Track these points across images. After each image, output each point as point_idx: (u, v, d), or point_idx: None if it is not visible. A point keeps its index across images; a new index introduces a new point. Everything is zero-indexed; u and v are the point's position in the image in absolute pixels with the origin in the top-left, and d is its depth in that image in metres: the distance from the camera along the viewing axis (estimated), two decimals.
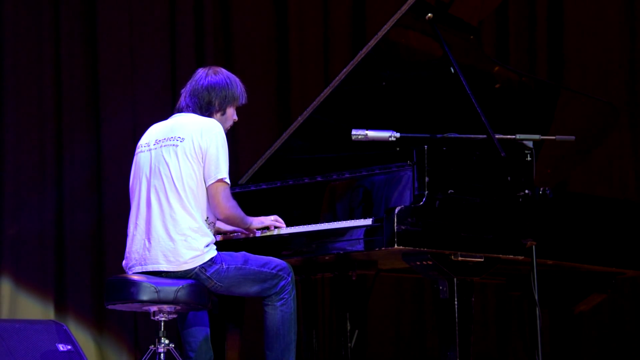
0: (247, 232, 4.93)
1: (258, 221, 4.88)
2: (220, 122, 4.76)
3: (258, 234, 4.90)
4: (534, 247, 4.75)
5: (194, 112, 4.75)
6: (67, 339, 5.08)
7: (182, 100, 4.79)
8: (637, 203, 5.70)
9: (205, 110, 4.75)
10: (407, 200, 4.69)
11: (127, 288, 4.50)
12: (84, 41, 6.99)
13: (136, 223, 4.68)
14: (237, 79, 4.86)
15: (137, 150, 4.79)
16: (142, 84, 7.04)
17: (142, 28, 7.13)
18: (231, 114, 4.83)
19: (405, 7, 5.05)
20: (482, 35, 6.59)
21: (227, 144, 4.69)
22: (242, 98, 4.86)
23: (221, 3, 7.37)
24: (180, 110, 4.78)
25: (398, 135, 4.76)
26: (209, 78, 4.78)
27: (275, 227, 4.90)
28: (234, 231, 4.98)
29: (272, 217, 4.93)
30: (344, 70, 5.25)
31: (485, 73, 5.48)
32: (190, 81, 4.82)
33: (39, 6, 6.90)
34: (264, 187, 5.34)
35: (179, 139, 4.65)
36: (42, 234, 6.80)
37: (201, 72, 4.83)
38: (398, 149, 4.96)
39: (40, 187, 6.84)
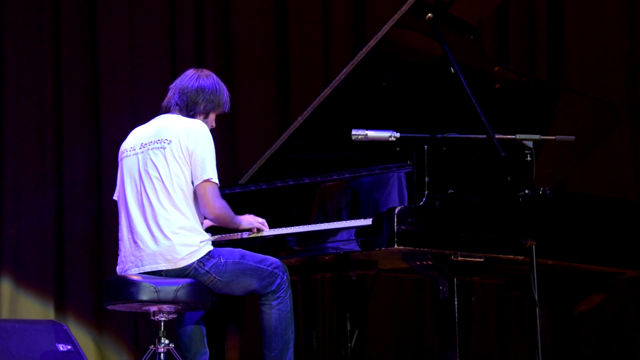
0: (229, 236, 4.92)
1: (247, 222, 4.87)
2: None
3: (245, 235, 4.89)
4: (534, 247, 4.75)
5: (179, 112, 4.75)
6: (67, 339, 5.08)
7: (171, 97, 4.78)
8: (637, 203, 5.70)
9: (190, 110, 4.75)
10: (407, 200, 4.70)
11: (126, 288, 4.51)
12: (84, 41, 6.99)
13: (130, 226, 4.67)
14: (225, 87, 4.86)
15: (123, 155, 4.79)
16: (142, 84, 7.04)
17: (142, 28, 7.13)
18: (212, 119, 4.84)
19: (405, 7, 5.05)
20: (482, 35, 6.58)
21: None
22: (226, 106, 4.86)
23: (221, 3, 7.37)
24: (168, 109, 4.78)
25: (398, 135, 4.76)
26: (201, 80, 4.78)
27: (258, 230, 4.89)
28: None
29: (260, 220, 4.92)
30: (344, 70, 5.25)
31: (485, 73, 5.48)
32: (180, 79, 4.81)
33: (38, 6, 6.90)
34: (264, 187, 5.33)
35: (165, 141, 4.65)
36: (42, 234, 6.79)
37: (192, 72, 4.82)
38: (398, 149, 4.96)
39: (40, 188, 6.83)
